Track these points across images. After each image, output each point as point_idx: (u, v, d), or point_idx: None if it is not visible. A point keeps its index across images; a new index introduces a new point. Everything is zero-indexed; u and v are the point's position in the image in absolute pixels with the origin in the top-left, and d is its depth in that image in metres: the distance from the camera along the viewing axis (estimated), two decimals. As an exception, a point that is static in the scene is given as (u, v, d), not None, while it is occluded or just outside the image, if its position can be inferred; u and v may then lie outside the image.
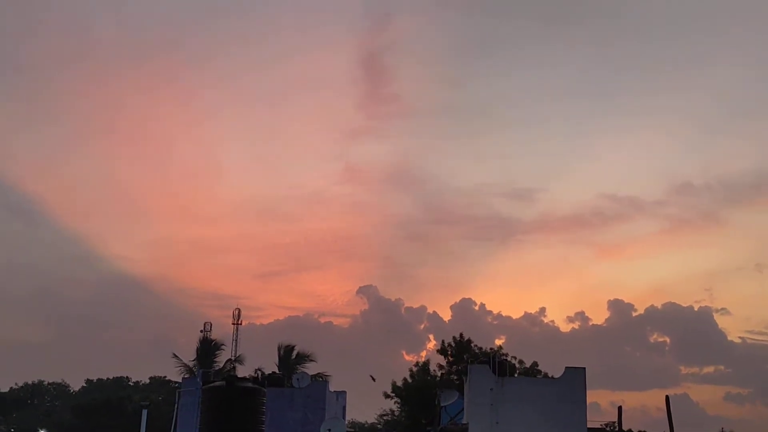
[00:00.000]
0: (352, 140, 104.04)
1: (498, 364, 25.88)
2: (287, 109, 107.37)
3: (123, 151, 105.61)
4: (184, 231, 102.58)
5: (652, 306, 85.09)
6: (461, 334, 42.87)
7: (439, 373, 41.77)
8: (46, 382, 71.81)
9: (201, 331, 51.11)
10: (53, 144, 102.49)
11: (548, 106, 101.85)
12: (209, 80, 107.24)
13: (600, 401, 62.47)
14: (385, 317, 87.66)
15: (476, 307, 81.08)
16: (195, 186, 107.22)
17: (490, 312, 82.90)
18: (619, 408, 25.99)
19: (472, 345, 42.62)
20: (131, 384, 70.19)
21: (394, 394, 41.74)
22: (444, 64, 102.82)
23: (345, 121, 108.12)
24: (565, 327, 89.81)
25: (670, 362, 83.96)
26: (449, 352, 42.50)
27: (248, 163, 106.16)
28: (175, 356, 42.42)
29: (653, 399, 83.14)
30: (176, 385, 40.47)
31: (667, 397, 24.17)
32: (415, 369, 42.63)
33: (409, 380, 41.79)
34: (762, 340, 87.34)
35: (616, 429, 26.14)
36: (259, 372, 38.43)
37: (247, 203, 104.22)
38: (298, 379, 30.08)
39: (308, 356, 41.82)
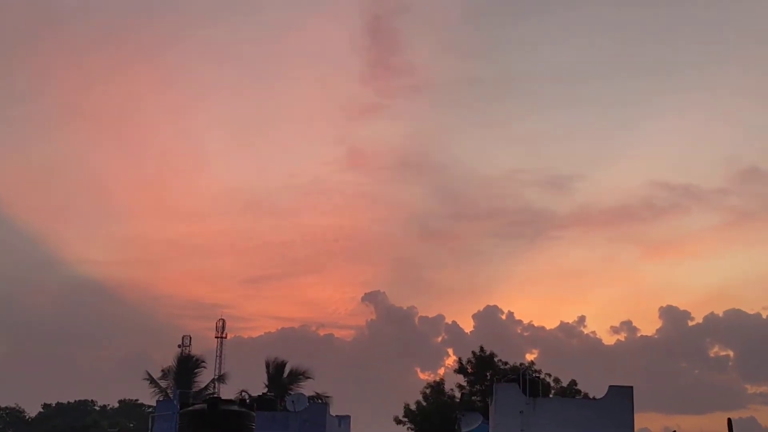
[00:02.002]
0: (356, 120, 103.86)
1: (529, 382, 25.89)
2: (280, 86, 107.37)
3: (91, 138, 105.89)
4: (159, 229, 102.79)
5: (712, 314, 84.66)
6: (482, 347, 42.70)
7: (458, 394, 41.61)
8: (-3, 407, 71.82)
9: (179, 346, 51.07)
10: (10, 130, 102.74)
11: (589, 80, 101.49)
12: (191, 55, 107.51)
13: (651, 426, 61.79)
14: (396, 329, 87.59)
15: (503, 317, 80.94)
16: (173, 176, 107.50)
17: (520, 322, 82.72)
18: (674, 433, 25.70)
19: (496, 360, 42.41)
20: (97, 409, 70.31)
21: (406, 419, 41.62)
22: (465, 30, 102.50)
23: (348, 97, 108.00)
24: (608, 339, 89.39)
25: (735, 380, 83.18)
26: (468, 370, 42.30)
27: (235, 148, 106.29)
28: (149, 376, 42.39)
29: (714, 423, 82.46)
30: (150, 409, 40.40)
31: (729, 421, 23.85)
32: (429, 390, 42.49)
33: (424, 402, 41.64)
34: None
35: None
36: (246, 393, 38.53)
37: (233, 196, 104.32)
38: (293, 402, 30.54)
39: (304, 374, 41.78)
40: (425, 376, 75.30)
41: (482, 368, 42.00)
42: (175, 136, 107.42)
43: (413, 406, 41.70)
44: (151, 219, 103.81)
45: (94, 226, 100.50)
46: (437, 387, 42.62)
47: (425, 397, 42.17)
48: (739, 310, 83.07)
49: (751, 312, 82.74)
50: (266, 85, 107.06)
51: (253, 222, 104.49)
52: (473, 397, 41.01)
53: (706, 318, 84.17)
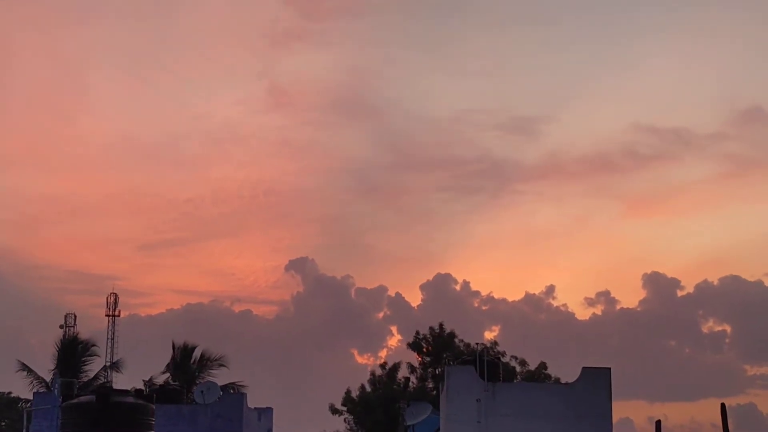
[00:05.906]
0: (279, 50, 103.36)
1: (487, 364, 26.38)
2: (183, 5, 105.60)
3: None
4: (36, 183, 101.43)
5: (705, 282, 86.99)
6: (441, 325, 43.39)
7: (405, 379, 42.37)
8: None
9: (61, 327, 51.11)
10: None
11: (562, 3, 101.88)
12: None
13: (633, 415, 64.16)
14: (328, 303, 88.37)
15: (457, 287, 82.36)
16: (50, 118, 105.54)
17: (477, 293, 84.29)
18: (658, 423, 26.57)
19: (456, 340, 43.19)
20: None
21: (344, 408, 42.23)
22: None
23: (269, 21, 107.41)
24: (582, 313, 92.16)
25: (732, 360, 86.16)
26: (425, 349, 42.99)
27: (128, 84, 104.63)
28: (23, 364, 42.29)
29: (707, 411, 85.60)
30: (26, 404, 40.43)
31: (722, 406, 24.71)
32: (378, 374, 43.14)
33: (369, 388, 42.30)
34: None
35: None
36: (146, 383, 38.75)
37: (126, 143, 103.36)
38: (202, 392, 30.74)
39: (217, 360, 42.18)
40: (363, 360, 76.75)
41: (439, 349, 42.74)
42: (48, 65, 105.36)
43: (355, 393, 42.32)
44: (26, 171, 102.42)
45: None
46: (391, 371, 43.12)
47: (373, 380, 42.73)
48: (737, 277, 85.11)
49: (752, 279, 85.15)
50: (165, 4, 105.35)
51: (152, 176, 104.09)
52: (425, 383, 41.85)
53: (698, 287, 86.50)
